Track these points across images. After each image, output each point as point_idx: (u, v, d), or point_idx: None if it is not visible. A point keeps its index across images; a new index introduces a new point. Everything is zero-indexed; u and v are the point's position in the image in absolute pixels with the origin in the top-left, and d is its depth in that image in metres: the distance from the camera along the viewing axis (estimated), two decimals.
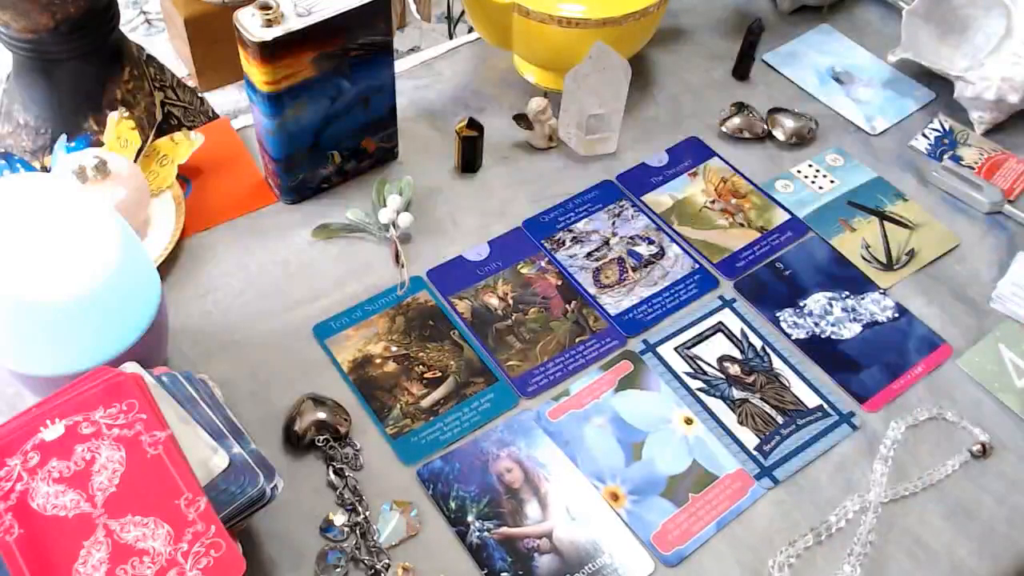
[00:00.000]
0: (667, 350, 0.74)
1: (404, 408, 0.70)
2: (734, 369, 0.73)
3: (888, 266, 0.80)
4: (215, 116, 1.06)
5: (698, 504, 0.66)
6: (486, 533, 0.64)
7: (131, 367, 0.58)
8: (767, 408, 0.71)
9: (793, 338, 0.75)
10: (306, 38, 0.71)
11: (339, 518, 0.63)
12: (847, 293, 0.78)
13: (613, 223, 0.82)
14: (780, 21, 1.02)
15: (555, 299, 0.77)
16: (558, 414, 0.70)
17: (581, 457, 0.68)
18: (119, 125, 0.80)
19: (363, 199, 0.83)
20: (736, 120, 0.90)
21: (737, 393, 0.72)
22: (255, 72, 0.72)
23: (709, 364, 0.73)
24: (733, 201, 0.85)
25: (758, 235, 0.82)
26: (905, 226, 0.83)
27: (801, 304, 0.78)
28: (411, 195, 0.82)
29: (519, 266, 0.79)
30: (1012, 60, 0.87)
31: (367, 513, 0.64)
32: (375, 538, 0.63)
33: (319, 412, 0.67)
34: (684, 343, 0.75)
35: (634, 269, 0.79)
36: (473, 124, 0.83)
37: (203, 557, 0.51)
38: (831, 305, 0.78)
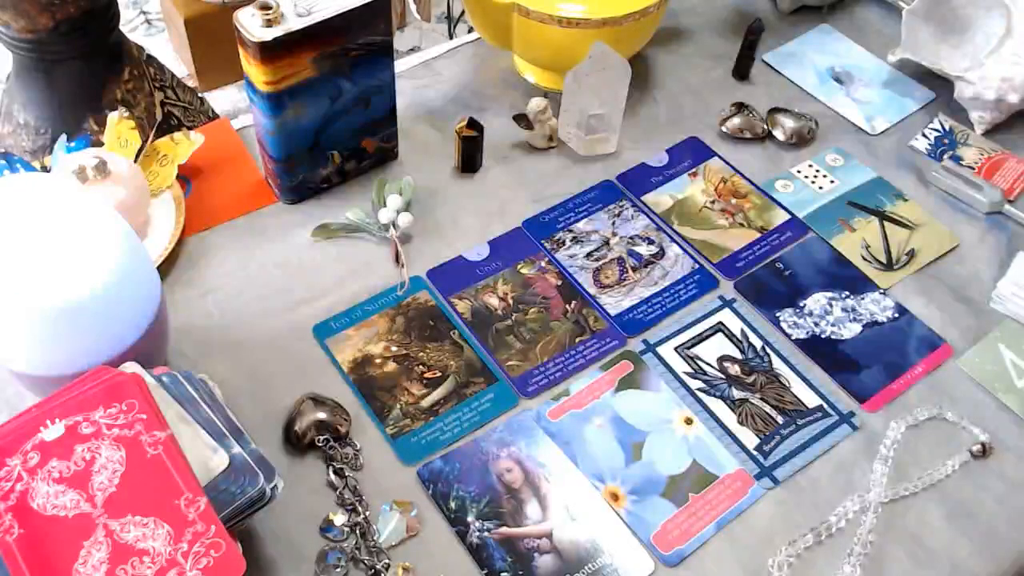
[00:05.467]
0: (667, 350, 0.74)
1: (404, 408, 0.70)
2: (734, 369, 0.73)
3: (888, 266, 0.80)
4: (215, 116, 1.06)
5: (698, 504, 0.66)
6: (486, 533, 0.64)
7: (131, 367, 0.58)
8: (767, 408, 0.71)
9: (793, 338, 0.75)
10: (306, 38, 0.71)
11: (339, 518, 0.63)
12: (847, 293, 0.78)
13: (613, 223, 0.82)
14: (780, 21, 1.02)
15: (555, 299, 0.77)
16: (558, 414, 0.70)
17: (581, 457, 0.68)
18: (119, 125, 0.80)
19: (363, 199, 0.83)
20: (736, 120, 0.90)
21: (737, 393, 0.72)
22: (255, 72, 0.72)
23: (709, 364, 0.73)
24: (733, 201, 0.85)
25: (758, 235, 0.82)
26: (905, 226, 0.83)
27: (801, 304, 0.78)
28: (411, 195, 0.82)
29: (519, 266, 0.79)
30: (1012, 60, 0.87)
31: (367, 513, 0.64)
32: (375, 538, 0.63)
33: (319, 412, 0.67)
34: (684, 343, 0.75)
35: (634, 269, 0.79)
36: (473, 124, 0.83)
37: (203, 557, 0.51)
38: (831, 305, 0.78)
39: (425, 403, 0.70)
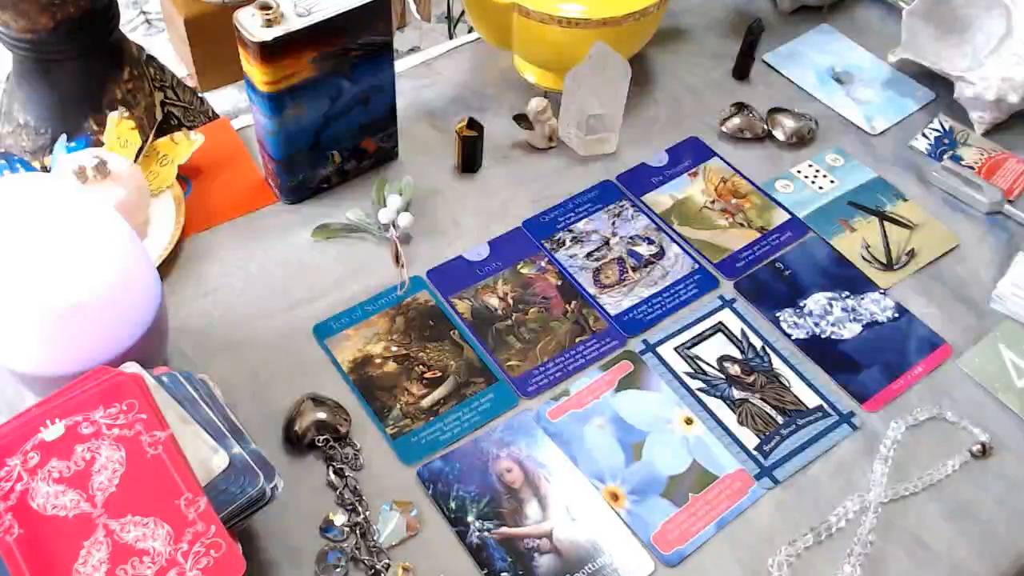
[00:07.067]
0: (667, 350, 0.74)
1: (404, 408, 0.70)
2: (734, 369, 0.73)
3: (888, 266, 0.80)
4: (215, 116, 1.06)
5: (698, 504, 0.66)
6: (486, 533, 0.64)
7: (131, 367, 0.58)
8: (767, 408, 0.71)
9: (793, 338, 0.75)
10: (306, 38, 0.71)
11: (339, 518, 0.63)
12: (847, 293, 0.78)
13: (613, 223, 0.82)
14: (780, 21, 1.02)
15: (555, 299, 0.77)
16: (558, 414, 0.70)
17: (581, 457, 0.68)
18: (119, 125, 0.80)
19: (363, 199, 0.83)
20: (736, 120, 0.90)
21: (737, 393, 0.72)
22: (255, 72, 0.72)
23: (709, 364, 0.73)
24: (733, 201, 0.85)
25: (758, 235, 0.82)
26: (905, 226, 0.83)
27: (801, 304, 0.78)
28: (411, 195, 0.82)
29: (519, 266, 0.79)
30: (1012, 60, 0.87)
31: (367, 513, 0.64)
32: (375, 538, 0.63)
33: (319, 412, 0.67)
34: (684, 343, 0.75)
35: (634, 269, 0.79)
36: (473, 124, 0.83)
37: (203, 557, 0.51)
38: (831, 305, 0.78)
39: (425, 403, 0.70)
